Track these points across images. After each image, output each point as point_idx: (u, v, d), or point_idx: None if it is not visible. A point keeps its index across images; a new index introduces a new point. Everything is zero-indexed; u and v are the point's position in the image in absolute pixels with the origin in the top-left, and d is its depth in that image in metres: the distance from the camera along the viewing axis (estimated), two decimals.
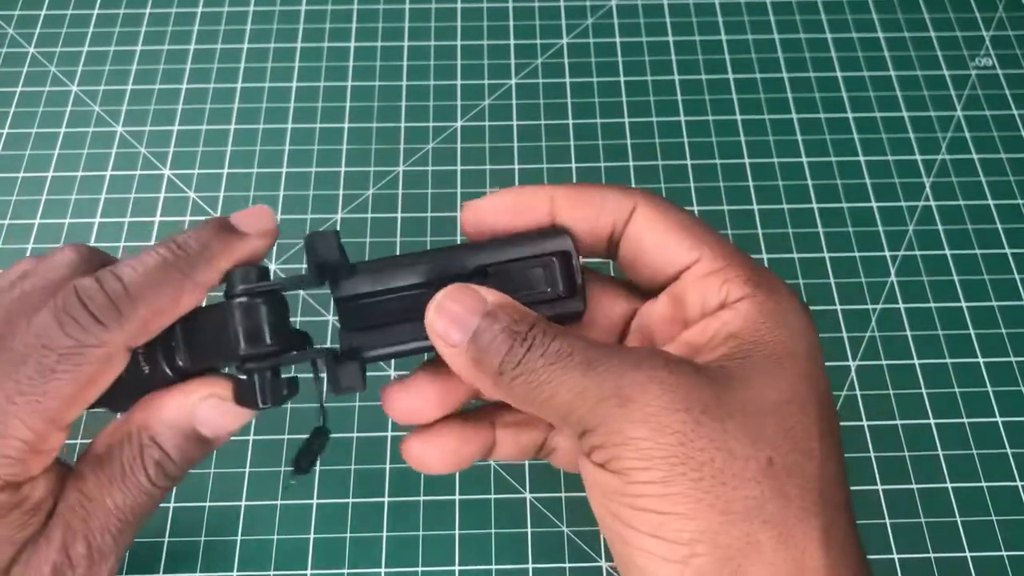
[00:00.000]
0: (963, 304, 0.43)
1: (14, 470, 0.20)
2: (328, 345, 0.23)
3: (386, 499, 0.38)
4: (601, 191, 0.23)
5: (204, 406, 0.23)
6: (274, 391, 0.22)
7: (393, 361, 0.41)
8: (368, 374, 0.41)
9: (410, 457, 0.24)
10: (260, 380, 0.22)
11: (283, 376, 0.23)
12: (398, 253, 0.23)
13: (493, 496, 0.38)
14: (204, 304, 0.23)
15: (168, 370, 0.23)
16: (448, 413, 0.24)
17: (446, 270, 0.23)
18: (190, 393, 0.23)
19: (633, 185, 0.46)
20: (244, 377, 0.23)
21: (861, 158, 0.47)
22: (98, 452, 0.22)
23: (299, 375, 0.25)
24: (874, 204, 0.46)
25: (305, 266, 0.22)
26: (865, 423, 0.40)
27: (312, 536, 0.38)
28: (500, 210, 0.23)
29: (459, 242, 0.23)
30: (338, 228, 0.22)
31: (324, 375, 0.22)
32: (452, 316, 0.21)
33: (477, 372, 0.20)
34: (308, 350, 0.22)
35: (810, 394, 0.20)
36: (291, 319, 0.23)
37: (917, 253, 0.44)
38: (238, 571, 0.37)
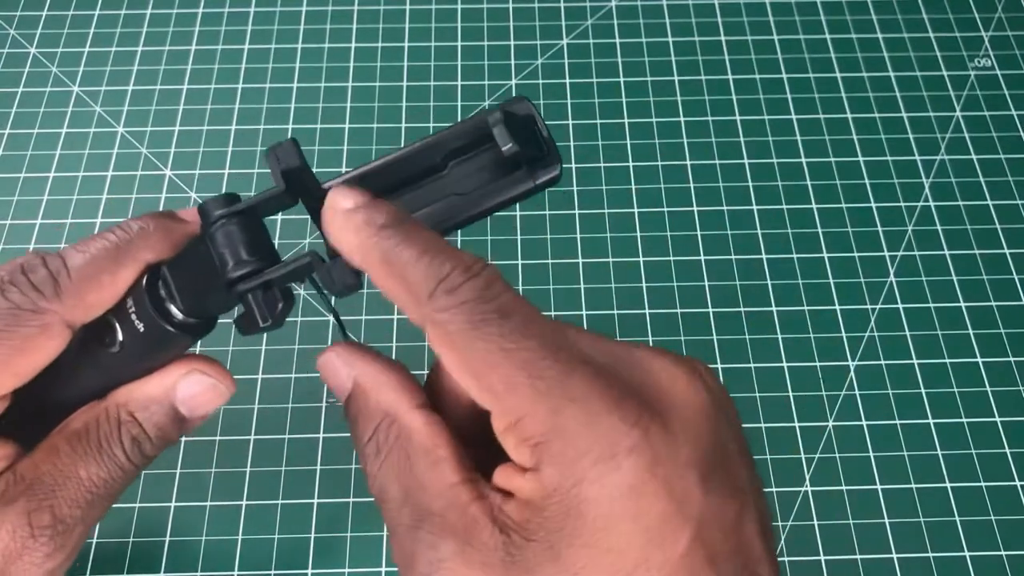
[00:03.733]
0: (962, 304, 0.43)
1: None
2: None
3: None
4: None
5: (185, 382, 0.23)
6: (270, 307, 0.22)
7: None
8: None
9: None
10: (254, 300, 0.22)
11: (275, 291, 0.22)
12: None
13: None
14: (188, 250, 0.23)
15: (167, 325, 0.22)
16: None
17: (417, 166, 0.23)
18: (171, 371, 0.23)
19: (632, 186, 0.47)
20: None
21: (860, 159, 0.47)
22: (75, 427, 0.23)
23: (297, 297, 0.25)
24: (873, 204, 0.46)
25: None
26: (864, 423, 0.40)
27: (312, 536, 0.38)
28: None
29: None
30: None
31: (324, 290, 0.22)
32: (327, 378, 0.22)
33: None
34: (296, 257, 0.22)
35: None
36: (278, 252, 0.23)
37: (916, 253, 0.44)
38: (239, 571, 0.37)
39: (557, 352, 0.18)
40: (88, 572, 0.37)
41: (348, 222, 0.20)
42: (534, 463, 0.18)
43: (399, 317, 0.42)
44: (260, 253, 0.22)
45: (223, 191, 0.46)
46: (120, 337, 0.23)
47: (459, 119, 0.49)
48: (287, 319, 0.24)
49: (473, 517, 0.18)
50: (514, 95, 0.23)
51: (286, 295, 0.23)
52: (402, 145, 0.25)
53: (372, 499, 0.38)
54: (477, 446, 0.20)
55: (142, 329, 0.23)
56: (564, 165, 0.47)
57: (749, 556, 0.18)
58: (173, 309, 0.23)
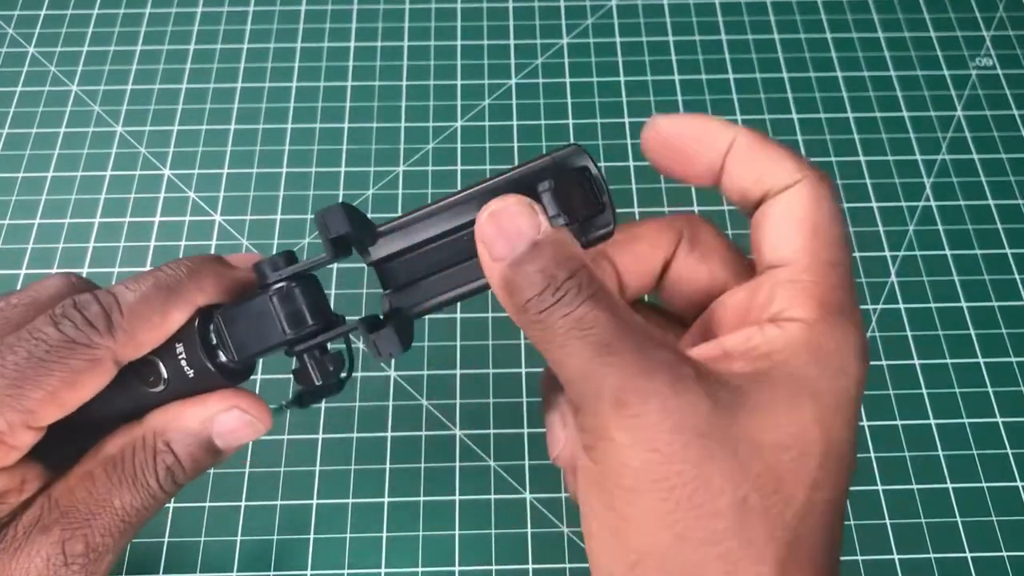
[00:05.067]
0: (963, 304, 0.43)
1: None
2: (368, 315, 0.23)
3: (386, 499, 0.38)
4: (781, 155, 0.22)
5: (224, 417, 0.23)
6: (322, 369, 0.23)
7: (393, 366, 0.41)
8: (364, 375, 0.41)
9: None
10: (311, 360, 0.23)
11: (329, 353, 0.24)
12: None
13: (493, 496, 0.38)
14: (240, 303, 0.23)
15: (215, 370, 0.23)
16: None
17: (472, 212, 0.23)
18: (211, 405, 0.23)
19: (633, 185, 0.46)
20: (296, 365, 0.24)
21: (861, 158, 0.47)
22: (110, 453, 0.23)
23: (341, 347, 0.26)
24: (874, 204, 0.46)
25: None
26: (865, 423, 0.40)
27: (312, 536, 0.38)
28: (684, 135, 0.23)
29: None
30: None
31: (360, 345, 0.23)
32: (502, 227, 0.20)
33: (504, 295, 0.20)
34: (350, 322, 0.23)
35: (818, 442, 0.19)
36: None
37: (917, 253, 0.44)
38: (238, 571, 0.37)
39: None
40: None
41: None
42: (812, 316, 0.20)
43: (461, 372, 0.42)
44: (318, 316, 0.23)
45: (222, 190, 0.46)
46: (164, 376, 0.23)
47: (459, 120, 0.49)
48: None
49: (680, 354, 0.19)
50: (569, 144, 0.22)
51: (337, 360, 0.24)
52: (449, 190, 0.25)
53: (371, 500, 0.38)
54: None
55: (191, 374, 0.23)
56: None
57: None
58: (223, 356, 0.23)
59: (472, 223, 0.21)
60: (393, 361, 0.41)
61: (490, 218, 0.20)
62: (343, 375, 0.24)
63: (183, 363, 0.23)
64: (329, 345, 0.24)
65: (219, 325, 0.23)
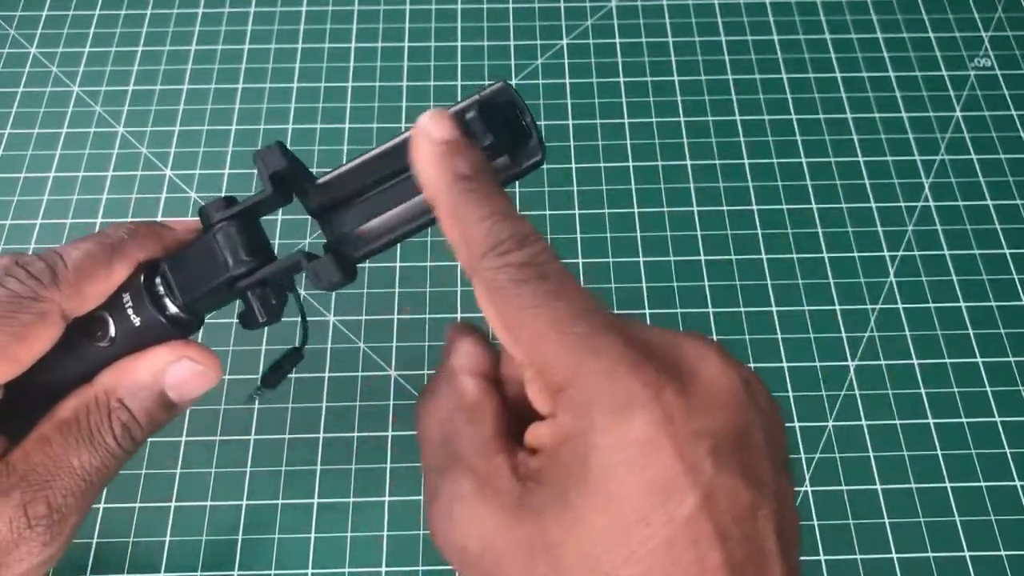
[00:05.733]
0: (962, 304, 0.43)
1: None
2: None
3: (387, 499, 0.38)
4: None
5: (174, 368, 0.24)
6: (266, 303, 0.23)
7: (394, 363, 0.41)
8: (380, 374, 0.41)
9: None
10: (253, 296, 0.23)
11: (270, 289, 0.24)
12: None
13: None
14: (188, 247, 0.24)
15: (162, 318, 0.23)
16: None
17: (393, 164, 0.24)
18: (160, 357, 0.24)
19: (633, 186, 0.47)
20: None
21: (860, 159, 0.47)
22: (63, 416, 0.23)
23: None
24: (873, 204, 0.46)
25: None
26: (864, 423, 0.40)
27: (312, 536, 0.38)
28: None
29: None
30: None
31: (302, 292, 0.23)
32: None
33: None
34: (290, 255, 0.23)
35: (616, 551, 0.17)
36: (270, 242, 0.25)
37: (916, 253, 0.44)
38: (239, 571, 0.37)
39: (587, 314, 0.19)
40: (88, 572, 0.37)
41: (431, 155, 0.21)
42: (552, 410, 0.19)
43: (399, 317, 0.43)
44: (257, 252, 0.23)
45: (223, 191, 0.46)
46: (112, 332, 0.23)
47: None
48: (284, 318, 0.25)
49: (497, 465, 0.20)
50: (493, 81, 0.23)
51: (279, 292, 0.24)
52: (374, 144, 0.25)
53: (371, 500, 0.38)
54: (527, 423, 0.21)
55: (137, 323, 0.23)
56: (564, 165, 0.47)
57: (760, 550, 0.18)
58: (170, 304, 0.24)
59: (407, 168, 0.23)
60: (394, 362, 0.42)
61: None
62: (287, 315, 0.24)
63: (131, 314, 0.23)
64: None
65: (165, 273, 0.24)
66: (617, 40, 0.52)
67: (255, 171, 0.47)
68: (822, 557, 0.37)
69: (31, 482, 0.21)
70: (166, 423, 0.24)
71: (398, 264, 0.44)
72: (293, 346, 0.27)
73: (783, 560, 0.18)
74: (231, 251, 0.23)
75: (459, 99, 0.27)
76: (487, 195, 0.21)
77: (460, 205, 0.20)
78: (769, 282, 0.44)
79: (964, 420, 0.40)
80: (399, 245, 0.25)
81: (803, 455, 0.39)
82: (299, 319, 0.25)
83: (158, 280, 0.24)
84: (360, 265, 0.24)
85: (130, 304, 0.23)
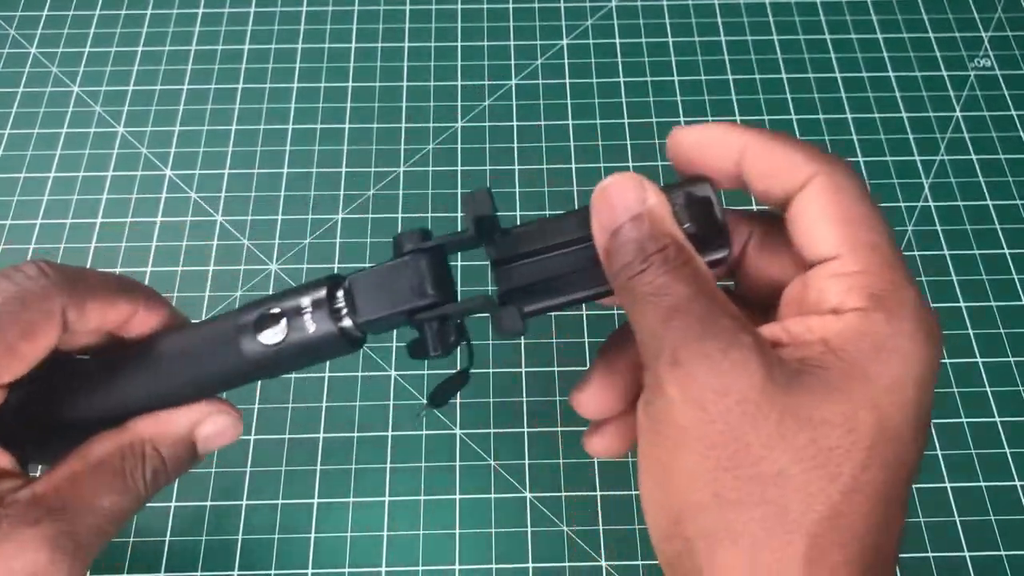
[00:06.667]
0: (962, 304, 0.43)
1: None
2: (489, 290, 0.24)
3: (386, 499, 0.38)
4: (790, 152, 0.22)
5: (209, 422, 0.25)
6: (443, 339, 0.24)
7: (394, 363, 0.41)
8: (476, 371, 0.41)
9: (595, 453, 0.26)
10: (429, 330, 0.24)
11: (449, 325, 0.25)
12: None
13: (493, 496, 0.39)
14: (375, 267, 0.25)
15: (336, 327, 0.24)
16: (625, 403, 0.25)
17: (570, 233, 0.24)
18: (199, 410, 0.25)
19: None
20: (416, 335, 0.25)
21: (860, 159, 0.47)
22: (97, 456, 0.23)
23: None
24: None
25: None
26: None
27: (312, 535, 0.38)
28: (700, 143, 0.24)
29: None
30: (427, 229, 0.25)
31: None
32: (610, 198, 0.22)
33: (604, 260, 0.22)
34: (470, 298, 0.24)
35: (869, 424, 0.19)
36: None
37: (916, 253, 0.44)
38: (239, 571, 0.37)
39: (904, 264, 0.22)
40: (88, 572, 0.37)
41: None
42: (864, 305, 0.20)
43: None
44: (440, 290, 0.24)
45: (223, 191, 0.46)
46: (283, 333, 0.24)
47: (459, 121, 0.49)
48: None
49: (755, 335, 0.20)
50: (696, 178, 0.24)
51: (459, 331, 0.25)
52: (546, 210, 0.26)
53: (371, 500, 0.38)
54: None
55: (311, 330, 0.24)
56: (564, 165, 0.47)
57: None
58: (346, 319, 0.24)
59: (578, 240, 0.23)
60: (394, 362, 0.42)
61: (601, 190, 0.22)
62: (463, 367, 0.26)
63: (307, 319, 0.24)
64: None
65: (348, 288, 0.24)
66: (617, 40, 0.52)
67: (254, 171, 0.47)
68: None
69: (60, 517, 0.22)
70: (187, 471, 0.25)
71: None
72: (461, 368, 0.27)
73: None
74: (420, 282, 0.24)
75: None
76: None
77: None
78: None
79: (964, 420, 0.40)
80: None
81: None
82: (465, 344, 0.26)
83: (339, 294, 0.24)
84: None
85: (309, 310, 0.24)
